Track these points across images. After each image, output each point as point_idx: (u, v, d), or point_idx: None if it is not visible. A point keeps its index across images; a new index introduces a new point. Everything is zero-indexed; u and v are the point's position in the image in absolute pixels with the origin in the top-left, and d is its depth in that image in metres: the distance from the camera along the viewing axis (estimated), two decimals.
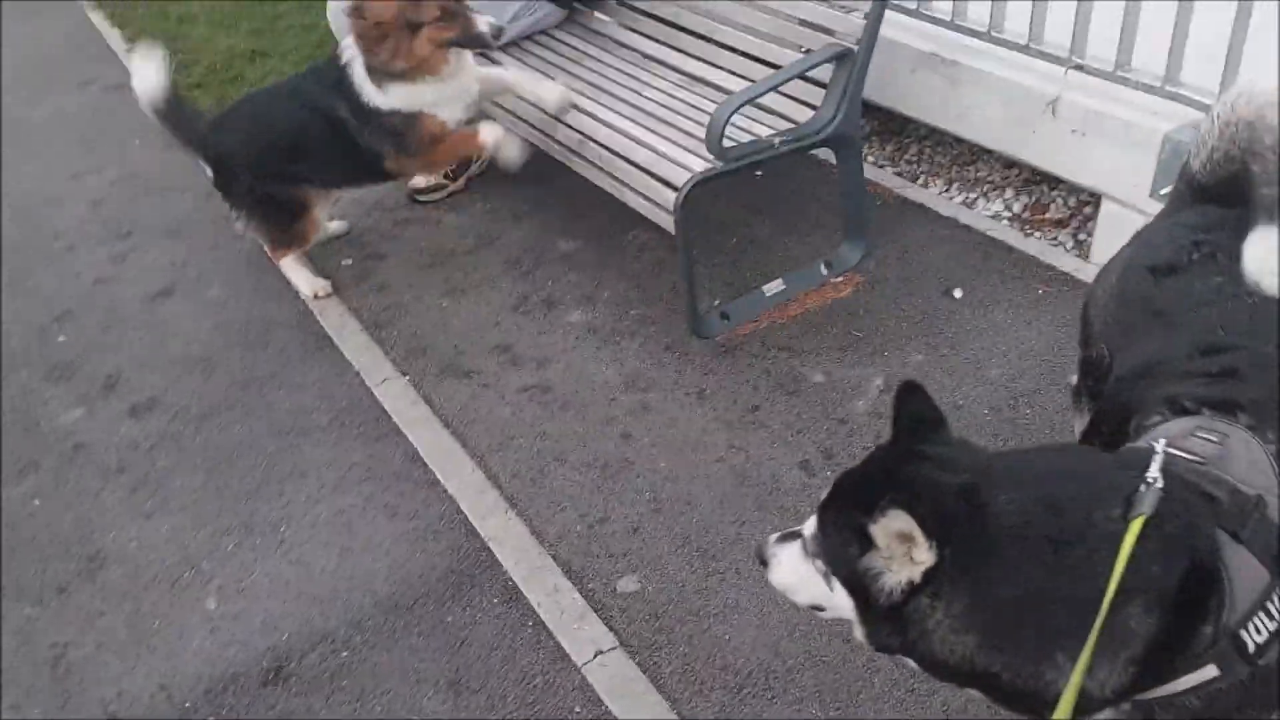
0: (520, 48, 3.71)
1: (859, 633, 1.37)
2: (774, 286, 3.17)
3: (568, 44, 3.71)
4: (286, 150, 3.21)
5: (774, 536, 1.54)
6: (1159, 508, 1.28)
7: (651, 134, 3.05)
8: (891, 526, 1.25)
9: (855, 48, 2.90)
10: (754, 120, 3.04)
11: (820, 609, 1.47)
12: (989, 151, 3.69)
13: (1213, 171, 1.79)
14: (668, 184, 2.82)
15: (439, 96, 3.12)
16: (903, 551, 1.27)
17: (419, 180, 3.88)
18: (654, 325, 3.16)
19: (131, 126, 4.75)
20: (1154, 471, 1.32)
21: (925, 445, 1.36)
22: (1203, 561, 1.29)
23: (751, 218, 3.61)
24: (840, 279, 3.25)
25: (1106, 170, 3.06)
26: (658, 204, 2.86)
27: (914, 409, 1.39)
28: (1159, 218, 1.98)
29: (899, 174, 3.82)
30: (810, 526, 1.46)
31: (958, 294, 3.13)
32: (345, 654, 2.27)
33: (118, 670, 2.27)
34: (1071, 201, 3.48)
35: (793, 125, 2.99)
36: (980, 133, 3.45)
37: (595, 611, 2.30)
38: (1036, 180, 3.60)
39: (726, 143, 2.80)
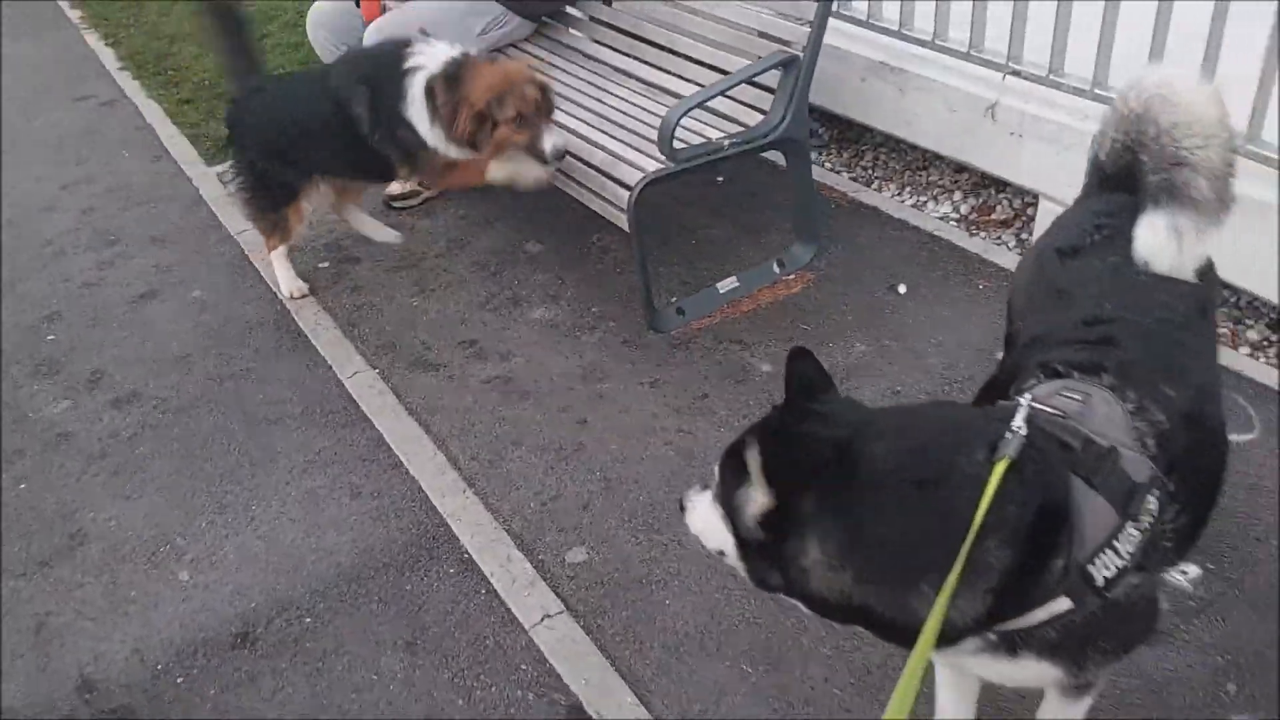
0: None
1: (740, 570, 1.49)
2: (728, 283, 3.33)
3: (536, 56, 3.89)
4: (295, 135, 3.30)
5: (696, 487, 1.65)
6: (1017, 453, 1.42)
7: (609, 138, 3.22)
8: (753, 462, 1.38)
9: (800, 54, 3.07)
10: (709, 125, 3.21)
11: (724, 553, 1.59)
12: (941, 157, 3.85)
13: (1114, 160, 1.94)
14: (622, 184, 2.99)
15: (461, 154, 3.20)
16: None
17: (394, 187, 4.05)
18: (613, 321, 3.31)
19: (122, 140, 4.97)
20: (1018, 422, 1.46)
21: (815, 404, 1.50)
22: (1055, 502, 1.42)
23: (712, 221, 3.78)
24: (792, 276, 3.41)
25: (1042, 170, 3.23)
26: (613, 203, 3.02)
27: (803, 373, 1.52)
28: (1074, 204, 2.14)
29: (854, 179, 3.99)
30: (717, 474, 1.59)
31: (902, 289, 3.29)
32: (309, 620, 2.40)
33: (95, 636, 2.41)
34: (1016, 203, 3.65)
35: (744, 129, 3.15)
36: (927, 137, 3.62)
37: (544, 580, 2.44)
38: (985, 184, 3.77)
39: (679, 145, 2.97)
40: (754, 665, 2.20)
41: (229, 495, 2.77)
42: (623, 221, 2.99)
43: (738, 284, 3.33)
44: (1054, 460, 1.46)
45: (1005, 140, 3.29)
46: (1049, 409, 1.54)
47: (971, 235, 3.54)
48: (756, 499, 1.38)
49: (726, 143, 3.05)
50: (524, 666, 2.25)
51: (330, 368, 3.23)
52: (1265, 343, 2.92)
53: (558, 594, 2.40)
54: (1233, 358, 2.85)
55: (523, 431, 2.91)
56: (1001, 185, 3.69)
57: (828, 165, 4.09)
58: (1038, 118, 3.19)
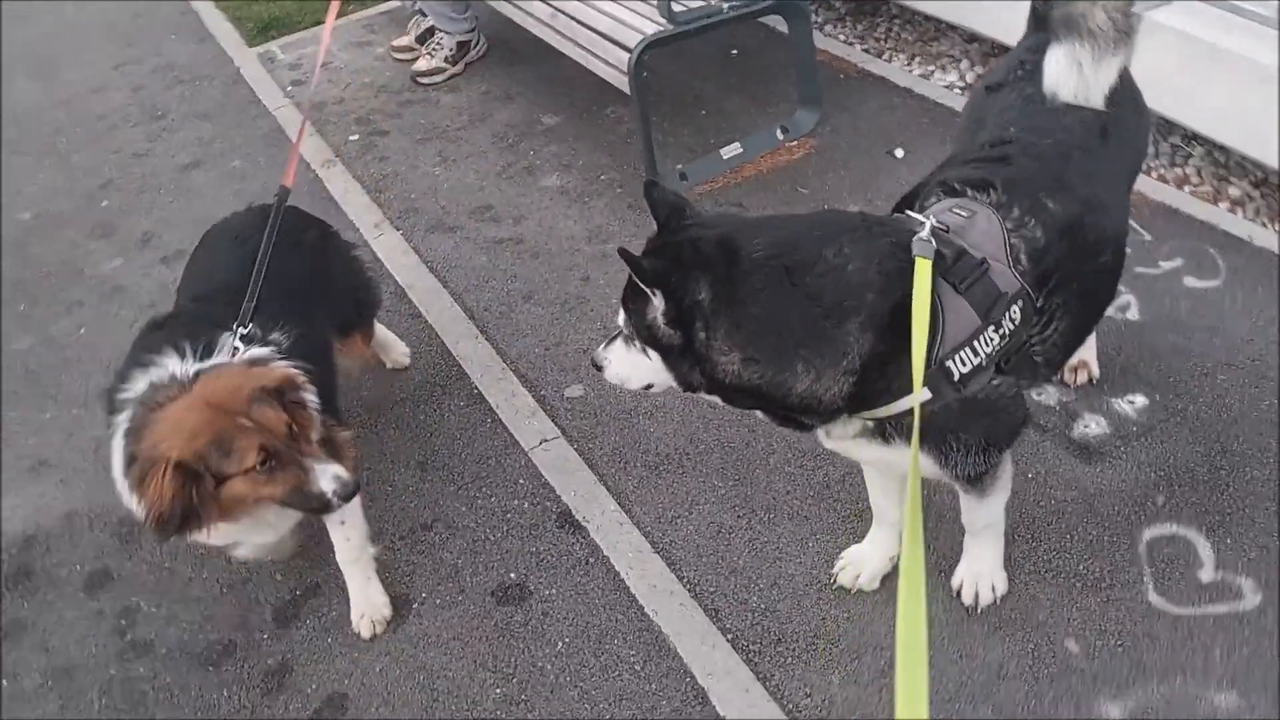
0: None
1: (671, 380, 1.64)
2: (731, 149, 3.47)
3: None
4: None
5: (600, 345, 1.78)
6: (885, 252, 1.55)
7: (616, 4, 3.33)
8: (638, 272, 1.52)
9: None
10: None
11: (650, 386, 1.72)
12: (954, 28, 3.91)
13: (1042, 1, 2.06)
14: (624, 47, 3.13)
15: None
16: None
17: (421, 64, 4.23)
18: (620, 187, 3.49)
19: (168, 24, 5.19)
20: (924, 233, 1.61)
21: (688, 219, 1.63)
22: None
23: (723, 94, 3.90)
24: (795, 143, 3.54)
25: None
26: (616, 67, 3.16)
27: (662, 199, 1.65)
28: (1016, 45, 2.25)
29: (866, 50, 4.06)
30: (622, 318, 1.69)
31: (899, 154, 3.41)
32: None
33: None
34: None
35: None
36: (933, 3, 3.68)
37: (544, 410, 2.68)
38: (994, 53, 3.82)
39: (678, 8, 3.09)
40: (724, 480, 2.43)
41: None
42: (625, 85, 3.14)
43: (741, 150, 3.47)
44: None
45: (1005, 2, 3.34)
46: (936, 223, 1.65)
47: None
48: (655, 303, 1.55)
49: (725, 5, 3.16)
50: (521, 481, 2.51)
51: (358, 230, 3.46)
52: (1246, 198, 3.00)
53: (555, 422, 2.65)
54: (1211, 211, 2.95)
55: (532, 287, 3.13)
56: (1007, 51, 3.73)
57: (841, 38, 4.16)
58: None
